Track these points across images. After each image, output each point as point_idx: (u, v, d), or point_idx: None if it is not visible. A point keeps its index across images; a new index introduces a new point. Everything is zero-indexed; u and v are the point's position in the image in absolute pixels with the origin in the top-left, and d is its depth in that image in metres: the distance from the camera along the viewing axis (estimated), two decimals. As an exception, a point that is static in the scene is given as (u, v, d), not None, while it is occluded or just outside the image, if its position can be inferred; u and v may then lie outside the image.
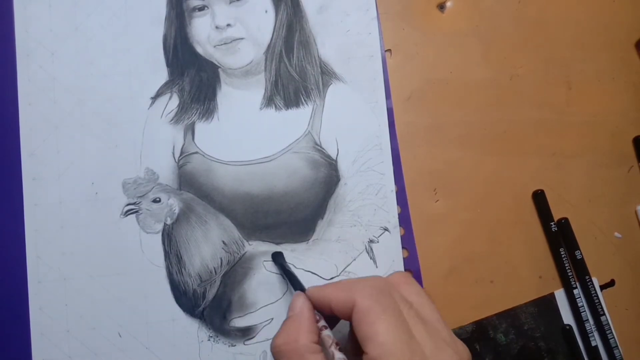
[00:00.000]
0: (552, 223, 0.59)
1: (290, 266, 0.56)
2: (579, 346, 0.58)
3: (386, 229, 0.57)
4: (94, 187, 0.57)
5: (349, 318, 0.43)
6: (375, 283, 0.44)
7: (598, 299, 0.58)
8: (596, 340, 0.58)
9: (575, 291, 0.58)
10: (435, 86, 0.60)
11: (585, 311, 0.58)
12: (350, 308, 0.42)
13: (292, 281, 0.52)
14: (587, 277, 0.58)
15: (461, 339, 0.56)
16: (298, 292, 0.47)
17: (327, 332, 0.44)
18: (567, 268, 0.58)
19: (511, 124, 0.60)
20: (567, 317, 0.58)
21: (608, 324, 0.58)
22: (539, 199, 0.59)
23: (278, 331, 0.44)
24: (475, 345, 0.57)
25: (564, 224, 0.59)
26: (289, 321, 0.44)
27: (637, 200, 0.60)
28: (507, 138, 0.60)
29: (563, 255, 0.58)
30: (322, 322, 0.44)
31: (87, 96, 0.57)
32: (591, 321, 0.58)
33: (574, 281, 0.58)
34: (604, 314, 0.58)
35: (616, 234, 0.60)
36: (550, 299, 0.58)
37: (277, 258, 0.56)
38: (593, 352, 0.58)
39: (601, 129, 0.60)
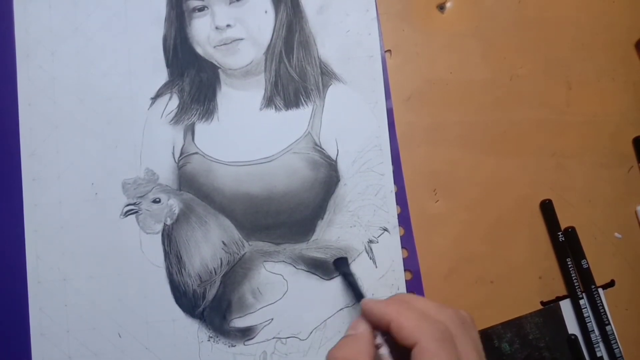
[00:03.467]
0: (559, 233, 0.59)
1: (354, 275, 0.56)
2: (584, 356, 0.58)
3: (386, 229, 0.57)
4: (93, 187, 0.57)
5: (408, 347, 0.42)
6: (443, 327, 0.42)
7: (604, 308, 0.58)
8: (601, 351, 0.58)
9: (582, 301, 0.58)
10: (435, 86, 0.60)
11: (591, 321, 0.58)
12: (412, 343, 0.41)
13: (354, 291, 0.54)
14: (593, 286, 0.58)
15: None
16: (362, 315, 0.47)
17: (383, 351, 0.44)
18: (573, 278, 0.58)
19: (511, 124, 0.60)
20: (572, 327, 0.58)
21: (613, 334, 0.58)
22: (547, 208, 0.59)
23: (337, 345, 0.44)
24: None
25: (571, 233, 0.59)
26: (349, 340, 0.44)
27: (637, 200, 0.60)
28: (507, 138, 0.60)
29: (570, 266, 0.58)
30: (379, 339, 0.44)
31: (87, 96, 0.57)
32: (597, 331, 0.58)
33: (580, 291, 0.58)
34: (609, 324, 0.58)
35: (616, 234, 0.60)
36: (555, 309, 0.58)
37: (340, 265, 0.56)
38: None
39: (601, 129, 0.60)
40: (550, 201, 0.59)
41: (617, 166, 0.60)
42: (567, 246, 0.58)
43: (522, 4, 0.61)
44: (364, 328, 0.45)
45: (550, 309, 0.58)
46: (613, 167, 0.60)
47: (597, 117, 0.60)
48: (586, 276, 0.58)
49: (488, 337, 0.57)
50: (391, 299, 0.45)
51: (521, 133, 0.60)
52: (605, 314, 0.58)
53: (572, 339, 0.58)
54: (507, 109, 0.60)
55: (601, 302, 0.58)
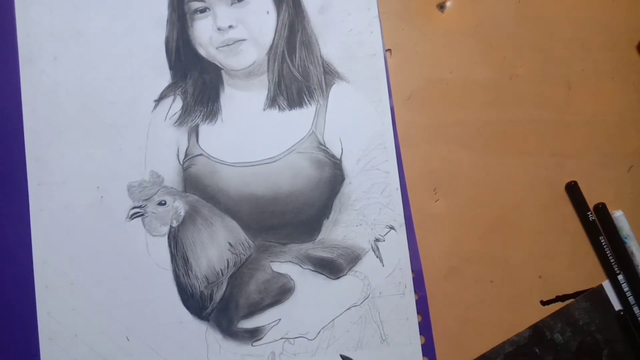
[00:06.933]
0: (589, 213, 0.59)
1: None
2: (633, 331, 0.58)
3: (392, 227, 0.58)
4: (99, 191, 0.56)
5: None
6: None
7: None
8: None
9: (620, 277, 0.58)
10: (435, 86, 0.60)
11: (631, 295, 0.58)
12: None
13: None
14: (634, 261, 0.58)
15: (519, 345, 0.57)
16: None
17: None
18: (609, 256, 0.58)
19: (511, 124, 0.60)
20: (618, 306, 0.58)
21: None
22: (573, 190, 0.59)
23: None
24: (535, 348, 0.58)
25: (602, 209, 0.59)
26: None
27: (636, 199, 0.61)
28: (507, 138, 0.60)
29: (603, 243, 0.58)
30: None
31: (91, 100, 0.57)
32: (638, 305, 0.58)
33: (618, 268, 0.58)
34: None
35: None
36: (599, 291, 0.59)
37: None
38: None
39: (601, 129, 0.61)
40: (575, 183, 0.59)
41: (616, 166, 0.61)
42: (597, 225, 0.59)
43: (522, 4, 0.61)
44: None
45: (595, 291, 0.59)
46: (613, 167, 0.61)
47: (597, 117, 0.61)
48: (623, 251, 0.58)
49: (539, 331, 0.58)
50: None
51: (521, 133, 0.60)
52: None
53: (621, 315, 0.58)
54: (507, 109, 0.60)
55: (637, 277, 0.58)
